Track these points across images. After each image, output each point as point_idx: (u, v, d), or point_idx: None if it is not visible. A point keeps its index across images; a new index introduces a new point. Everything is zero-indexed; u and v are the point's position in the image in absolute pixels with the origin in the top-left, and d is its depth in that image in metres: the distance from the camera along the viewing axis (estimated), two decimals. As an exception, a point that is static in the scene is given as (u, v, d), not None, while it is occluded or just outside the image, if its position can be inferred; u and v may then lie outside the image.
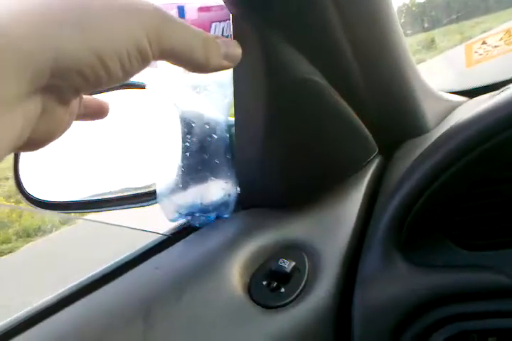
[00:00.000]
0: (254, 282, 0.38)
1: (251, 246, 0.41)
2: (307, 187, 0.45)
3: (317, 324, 0.37)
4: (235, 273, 0.38)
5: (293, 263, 0.39)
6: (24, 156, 0.51)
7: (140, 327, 0.33)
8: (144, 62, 0.22)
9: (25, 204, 0.52)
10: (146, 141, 0.54)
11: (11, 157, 0.50)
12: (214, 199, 0.46)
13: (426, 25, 1.00)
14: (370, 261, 0.39)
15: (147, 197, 0.52)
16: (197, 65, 0.25)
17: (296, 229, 0.43)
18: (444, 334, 0.35)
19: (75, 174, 0.56)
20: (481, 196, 0.37)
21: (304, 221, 0.43)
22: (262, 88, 0.39)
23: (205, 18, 0.33)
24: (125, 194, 0.54)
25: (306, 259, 0.40)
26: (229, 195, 0.46)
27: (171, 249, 0.45)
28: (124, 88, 0.49)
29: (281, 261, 0.39)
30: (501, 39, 0.66)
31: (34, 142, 0.22)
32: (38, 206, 0.52)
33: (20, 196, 0.51)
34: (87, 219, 0.64)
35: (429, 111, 0.50)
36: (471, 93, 0.61)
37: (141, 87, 0.46)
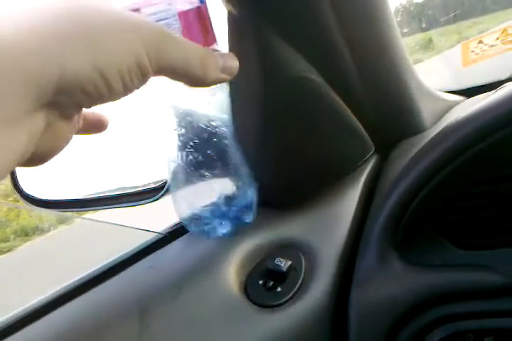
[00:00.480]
0: (250, 281, 0.38)
1: (247, 245, 0.41)
2: (303, 186, 0.45)
3: (313, 323, 0.37)
4: (231, 272, 0.38)
5: (289, 262, 0.39)
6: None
7: (136, 325, 0.33)
8: (143, 78, 0.22)
9: (22, 203, 0.51)
10: (146, 140, 0.53)
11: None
12: (235, 200, 0.44)
13: (423, 25, 1.00)
14: (367, 260, 0.39)
15: (145, 195, 0.52)
16: (195, 80, 0.26)
17: (293, 228, 0.43)
18: (440, 334, 0.35)
19: (72, 172, 0.56)
20: (477, 195, 0.37)
21: (301, 220, 0.43)
22: (258, 86, 0.39)
23: None
24: (122, 192, 0.54)
25: (303, 258, 0.40)
26: (250, 195, 0.44)
27: (166, 247, 0.44)
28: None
29: (277, 260, 0.39)
30: (498, 38, 0.66)
31: (37, 157, 0.22)
32: (35, 204, 0.52)
33: (17, 195, 0.51)
34: (84, 218, 0.63)
35: (426, 110, 0.50)
36: (468, 92, 0.61)
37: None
